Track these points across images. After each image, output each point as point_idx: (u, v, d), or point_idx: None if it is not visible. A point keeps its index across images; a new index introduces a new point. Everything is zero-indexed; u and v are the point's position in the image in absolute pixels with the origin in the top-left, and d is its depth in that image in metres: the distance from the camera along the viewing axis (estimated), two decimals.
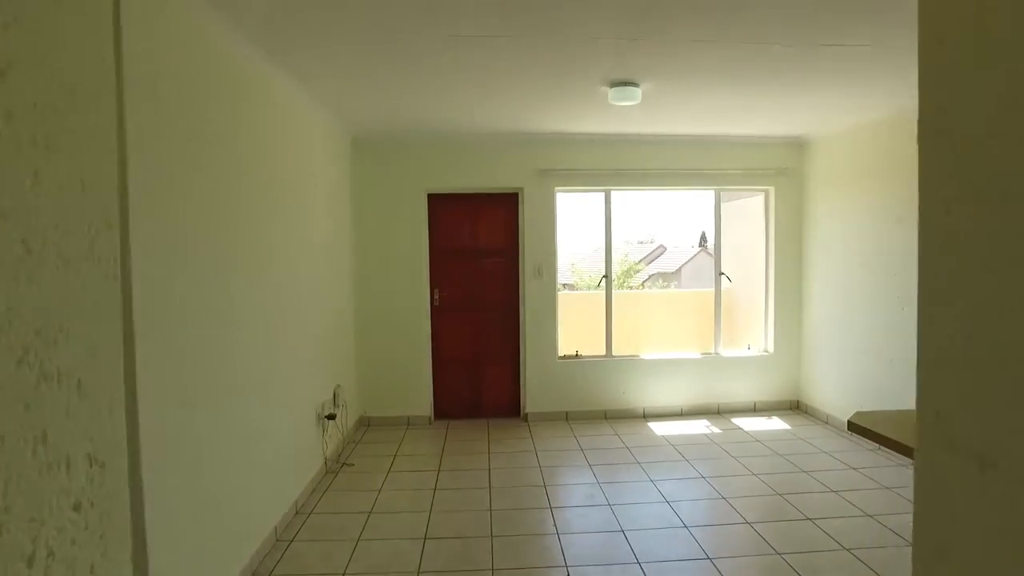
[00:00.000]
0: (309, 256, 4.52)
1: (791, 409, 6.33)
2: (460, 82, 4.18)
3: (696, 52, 3.58)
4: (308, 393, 4.43)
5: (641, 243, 23.89)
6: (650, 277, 20.41)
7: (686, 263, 21.61)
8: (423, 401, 6.03)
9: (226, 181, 3.12)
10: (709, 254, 24.60)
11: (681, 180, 6.10)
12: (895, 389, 4.91)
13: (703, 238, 26.69)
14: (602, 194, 6.20)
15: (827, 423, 5.81)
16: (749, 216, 6.67)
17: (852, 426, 2.41)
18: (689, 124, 5.47)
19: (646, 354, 6.27)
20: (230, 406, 3.10)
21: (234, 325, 3.17)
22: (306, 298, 4.44)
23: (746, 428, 5.77)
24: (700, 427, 5.82)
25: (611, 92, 4.29)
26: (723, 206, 6.47)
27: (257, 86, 3.55)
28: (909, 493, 4.20)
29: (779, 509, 4.04)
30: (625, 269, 19.05)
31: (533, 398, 6.09)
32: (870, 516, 3.90)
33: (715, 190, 6.26)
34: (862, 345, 5.34)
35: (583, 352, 6.24)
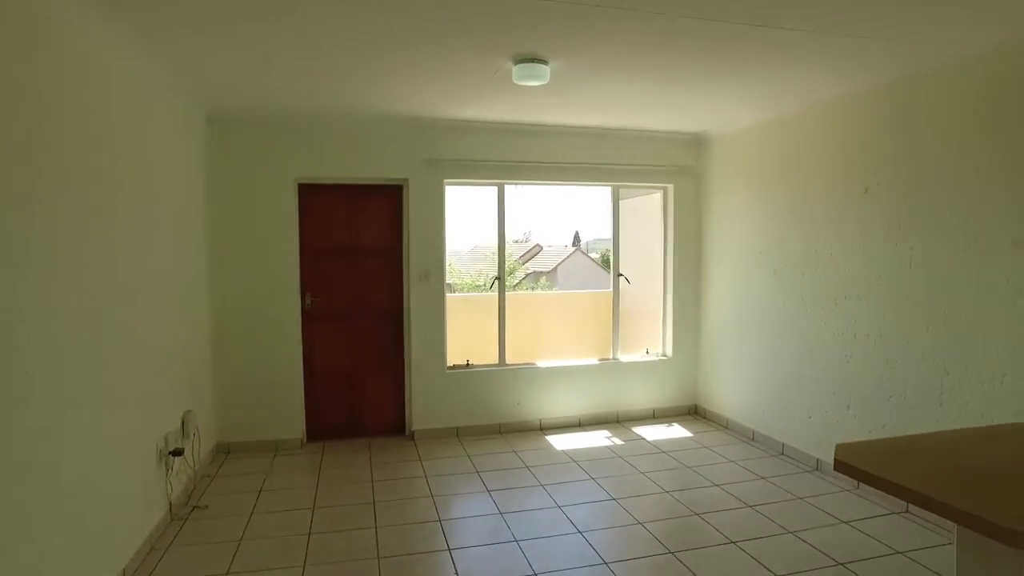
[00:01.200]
0: (149, 254, 3.58)
1: (690, 414, 6.08)
2: (331, 48, 3.44)
3: (614, 22, 3.08)
4: (146, 425, 3.49)
5: (517, 242, 23.70)
6: (527, 276, 20.23)
7: (561, 262, 21.66)
8: (294, 422, 5.18)
9: (19, 157, 2.22)
10: (584, 253, 24.80)
11: (580, 175, 5.65)
12: (796, 393, 4.73)
13: (576, 238, 27.00)
14: (495, 188, 5.64)
15: (727, 428, 5.60)
16: (647, 215, 6.38)
17: (840, 466, 2.00)
18: (591, 115, 5.03)
19: (542, 362, 5.78)
20: (14, 455, 2.21)
21: (24, 345, 2.28)
22: (146, 307, 3.51)
23: (648, 438, 5.41)
24: (601, 439, 5.40)
25: (516, 70, 3.71)
26: (621, 204, 6.13)
27: (62, 29, 2.63)
28: (821, 503, 3.98)
29: (700, 533, 3.62)
30: (507, 268, 18.78)
31: (420, 414, 5.41)
32: (792, 533, 3.60)
33: (613, 186, 5.87)
34: (763, 348, 5.14)
35: (474, 361, 5.65)
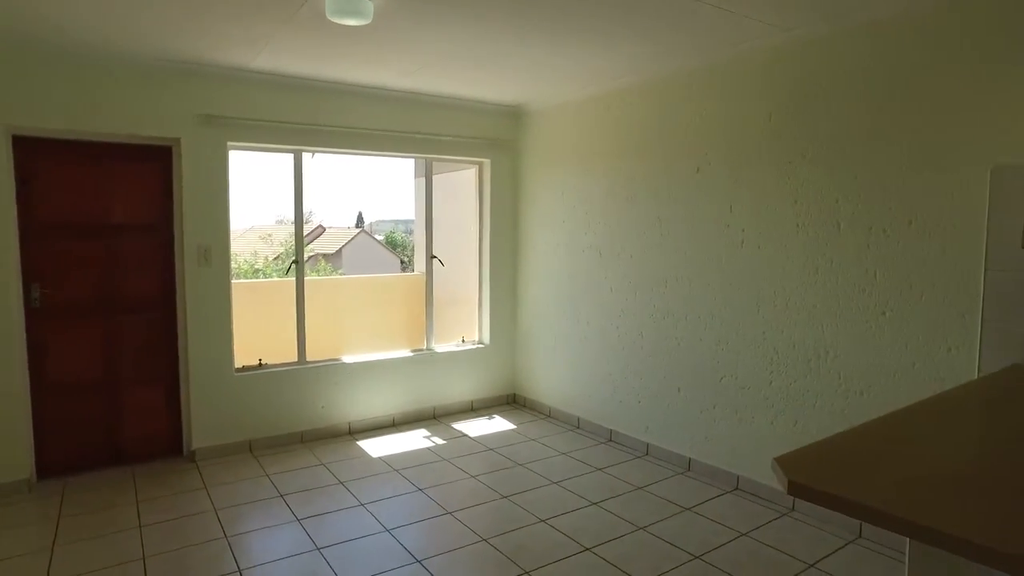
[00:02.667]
0: None
1: (508, 404, 5.70)
2: None
3: None
4: None
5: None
6: (309, 259, 18.66)
7: (346, 244, 20.32)
8: (16, 455, 3.75)
9: None
10: (369, 235, 23.75)
11: (389, 145, 4.90)
12: (624, 378, 4.56)
13: (360, 218, 25.74)
14: (290, 155, 4.68)
15: (550, 417, 5.30)
16: (455, 192, 5.84)
17: (796, 489, 1.64)
18: (406, 77, 4.32)
19: (349, 356, 4.99)
20: None
21: None
22: None
23: (471, 434, 4.91)
24: (420, 439, 4.78)
25: (332, 1, 2.92)
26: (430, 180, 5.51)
27: None
28: (662, 492, 3.78)
29: (551, 541, 3.17)
30: (289, 250, 16.98)
31: (203, 427, 4.33)
32: (643, 529, 3.36)
33: (426, 159, 5.22)
34: (588, 332, 4.91)
35: (268, 360, 4.68)
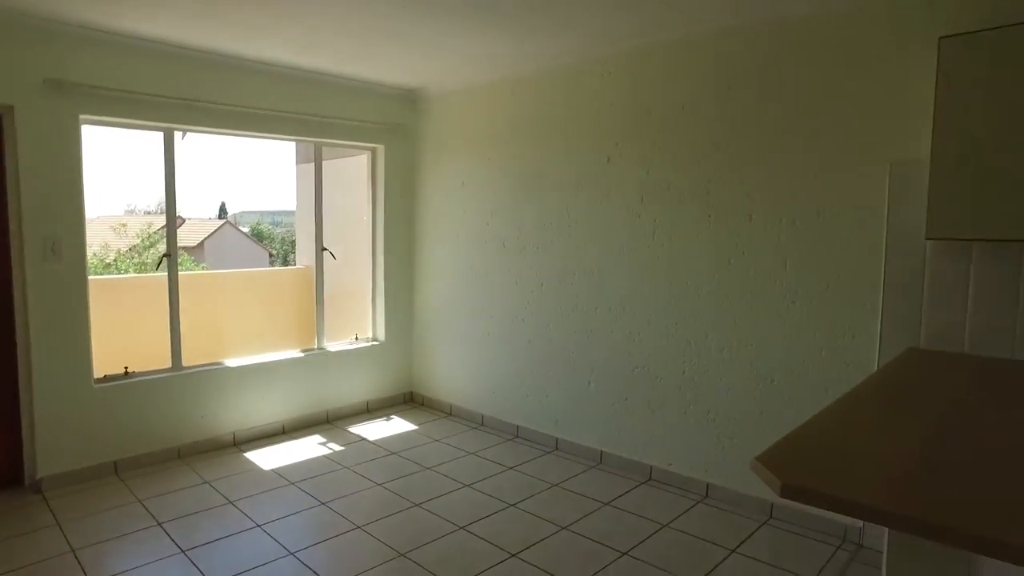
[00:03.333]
0: None
1: (406, 403, 5.38)
2: None
3: None
4: None
5: (149, 212, 19.70)
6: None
7: (209, 236, 18.63)
8: None
9: None
10: (234, 226, 22.07)
11: (277, 126, 4.39)
12: (532, 372, 4.41)
13: (223, 209, 23.84)
14: (159, 134, 4.05)
15: (452, 415, 5.05)
16: (347, 180, 5.40)
17: (790, 491, 1.53)
18: (296, 50, 3.87)
19: (232, 359, 4.44)
20: None
21: None
22: None
23: (371, 437, 4.55)
24: (315, 446, 4.35)
25: None
26: (305, 168, 5.04)
27: None
28: (578, 487, 3.68)
29: (474, 552, 2.94)
30: (145, 241, 15.08)
31: (53, 451, 3.62)
32: (567, 529, 3.22)
33: (317, 143, 4.75)
34: (492, 326, 4.69)
35: (136, 368, 4.04)
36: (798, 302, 3.21)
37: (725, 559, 2.94)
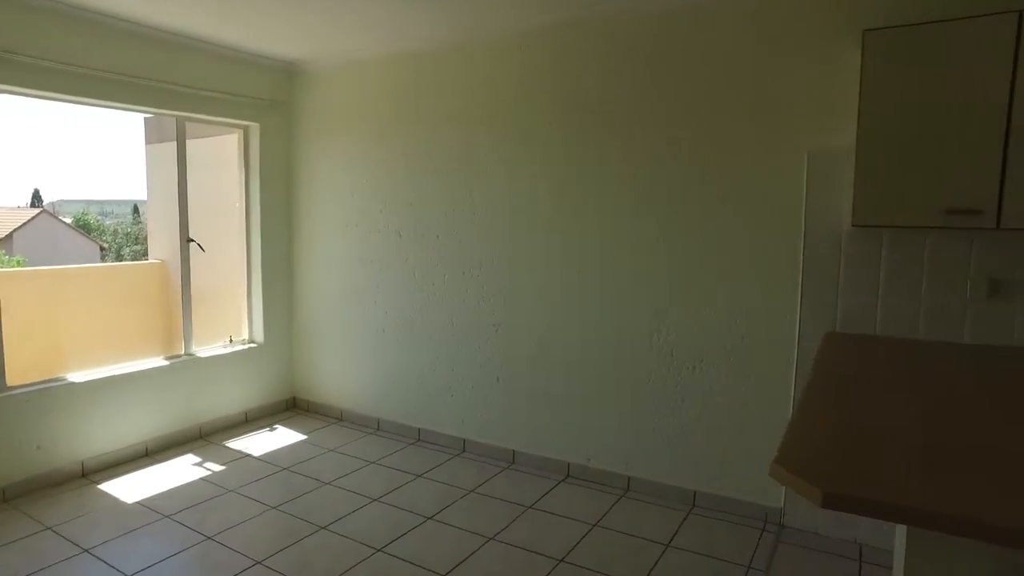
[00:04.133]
0: None
1: (289, 410, 4.79)
2: None
3: None
4: None
5: None
6: None
7: (21, 227, 15.87)
8: None
9: None
10: (53, 216, 19.32)
11: (124, 92, 3.61)
12: (435, 370, 4.07)
13: (37, 196, 20.71)
14: None
15: (342, 420, 4.56)
16: (207, 162, 4.70)
17: (832, 500, 1.35)
18: (157, 4, 3.22)
19: (77, 373, 3.66)
20: None
21: None
22: None
23: (255, 452, 3.97)
24: (189, 468, 3.70)
25: None
26: (158, 148, 4.32)
27: None
28: (495, 491, 3.43)
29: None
30: None
31: None
32: (493, 539, 2.93)
33: (179, 117, 4.03)
34: (388, 323, 4.27)
35: None
36: (720, 289, 3.18)
37: (663, 555, 2.83)
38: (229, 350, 4.41)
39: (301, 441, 4.18)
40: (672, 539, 2.97)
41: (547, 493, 3.45)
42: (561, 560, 2.78)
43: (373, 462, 3.85)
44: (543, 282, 3.66)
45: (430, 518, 3.16)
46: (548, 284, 3.65)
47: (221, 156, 4.60)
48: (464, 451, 4.01)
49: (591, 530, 3.05)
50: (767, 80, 2.97)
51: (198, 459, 3.84)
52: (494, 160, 3.76)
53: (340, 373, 4.57)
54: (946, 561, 1.42)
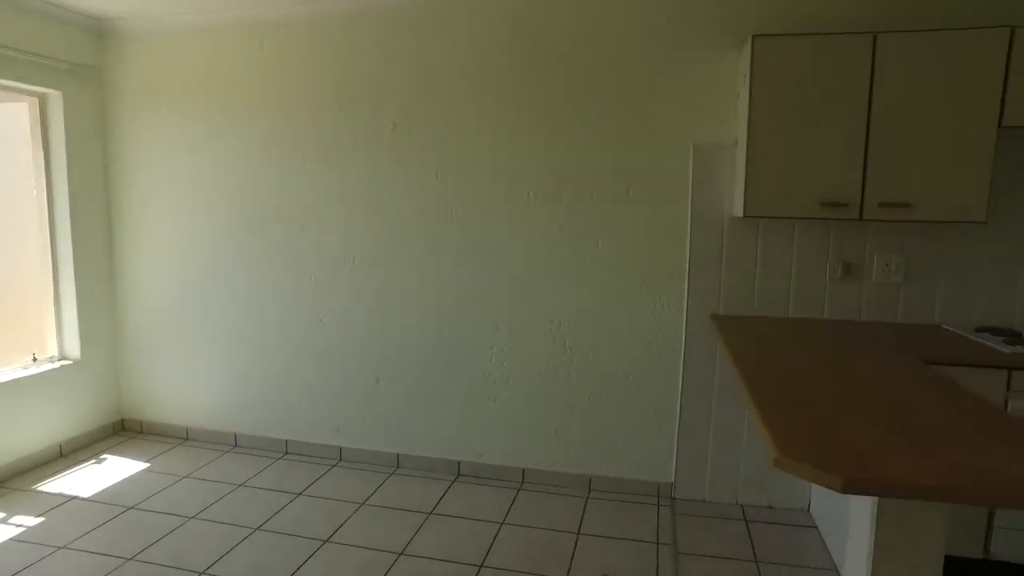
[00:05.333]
0: None
1: (117, 434, 3.98)
2: None
3: None
4: None
5: None
6: None
7: None
8: None
9: None
10: None
11: None
12: (304, 375, 3.66)
13: None
14: None
15: (190, 440, 3.90)
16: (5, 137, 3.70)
17: (853, 485, 1.35)
18: None
19: None
20: None
21: None
22: None
23: (83, 493, 3.22)
24: None
25: None
26: None
27: None
28: (389, 500, 3.21)
29: None
30: None
31: None
32: (403, 555, 2.70)
33: None
34: (242, 325, 3.72)
35: None
36: (611, 278, 3.22)
37: (577, 544, 2.82)
38: (32, 371, 3.54)
39: (142, 471, 3.50)
40: (580, 526, 2.98)
41: (444, 496, 3.27)
42: (481, 565, 2.64)
43: (240, 485, 3.35)
44: (421, 275, 3.44)
45: (327, 540, 2.82)
46: (426, 277, 3.44)
47: (11, 130, 3.65)
48: (341, 460, 3.66)
49: (500, 528, 2.95)
50: (651, 72, 3.04)
51: (0, 515, 3.06)
52: (365, 146, 3.42)
53: (183, 386, 3.91)
54: (913, 525, 1.56)
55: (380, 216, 3.45)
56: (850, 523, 1.70)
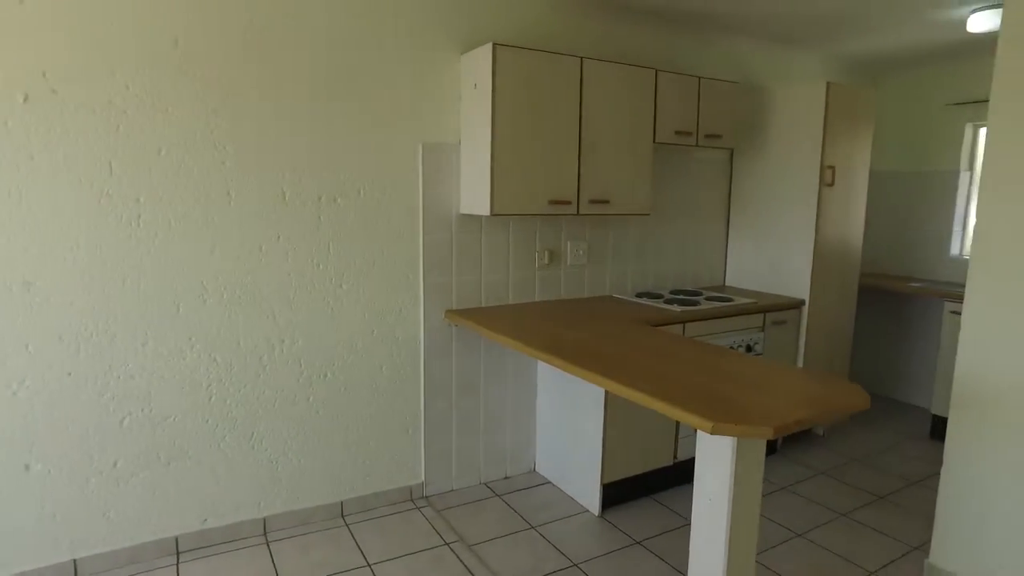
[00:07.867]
0: None
1: None
2: None
3: None
4: None
5: None
6: None
7: None
8: None
9: None
10: None
11: None
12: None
13: None
14: None
15: None
16: None
17: (780, 430, 1.52)
18: None
19: None
20: None
21: None
22: None
23: None
24: None
25: None
26: None
27: None
28: None
29: None
30: None
31: None
32: None
33: None
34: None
35: None
36: (345, 285, 2.89)
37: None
38: None
39: None
40: (365, 557, 2.67)
41: None
42: None
43: None
44: (99, 308, 2.43)
45: None
46: (108, 310, 2.45)
47: None
48: None
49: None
50: (377, 69, 2.84)
51: None
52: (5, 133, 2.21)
53: None
54: (751, 455, 1.98)
55: (32, 228, 2.26)
56: (698, 465, 2.05)
